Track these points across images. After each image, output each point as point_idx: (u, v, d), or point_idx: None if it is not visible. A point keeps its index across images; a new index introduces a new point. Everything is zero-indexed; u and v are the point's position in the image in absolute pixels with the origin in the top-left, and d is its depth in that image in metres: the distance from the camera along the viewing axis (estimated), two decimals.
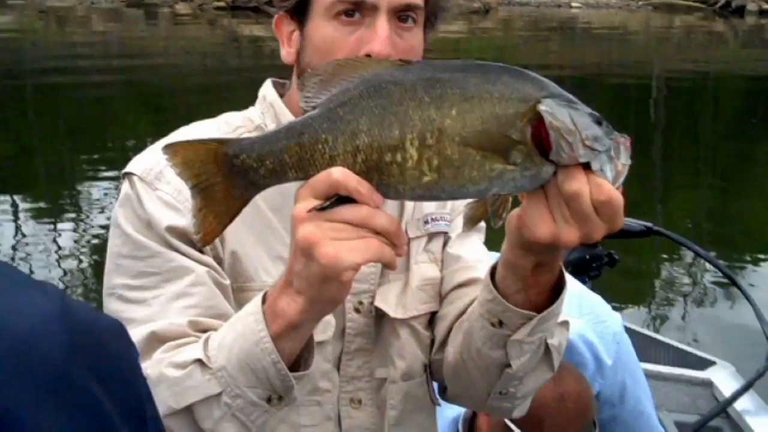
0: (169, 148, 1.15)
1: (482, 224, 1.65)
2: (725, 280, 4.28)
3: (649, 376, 2.90)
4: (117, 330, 0.84)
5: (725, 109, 16.01)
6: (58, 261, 6.86)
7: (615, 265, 3.18)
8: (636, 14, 31.67)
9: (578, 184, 1.09)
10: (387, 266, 1.15)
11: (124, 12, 27.03)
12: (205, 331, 1.34)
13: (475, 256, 1.63)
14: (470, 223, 1.16)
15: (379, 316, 1.56)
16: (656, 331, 4.79)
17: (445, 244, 1.65)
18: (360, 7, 1.42)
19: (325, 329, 1.48)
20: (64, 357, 0.75)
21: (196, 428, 1.27)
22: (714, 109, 15.94)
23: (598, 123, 1.11)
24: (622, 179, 1.12)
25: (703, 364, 3.46)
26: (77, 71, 16.69)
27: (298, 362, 1.26)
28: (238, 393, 1.23)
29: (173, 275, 1.39)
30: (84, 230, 7.79)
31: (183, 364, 1.27)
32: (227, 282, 1.44)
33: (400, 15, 1.44)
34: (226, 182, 1.16)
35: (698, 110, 15.08)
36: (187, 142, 1.17)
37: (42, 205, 8.69)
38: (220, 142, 1.16)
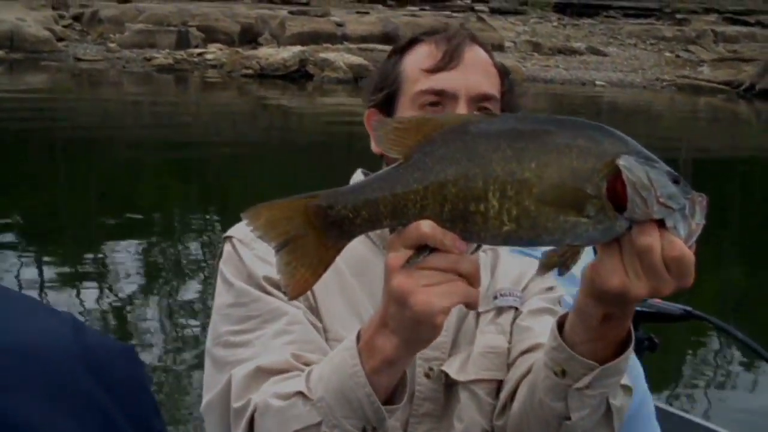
0: (250, 212, 1.20)
1: (558, 307, 1.70)
2: (762, 364, 4.21)
3: None
4: (127, 352, 0.89)
5: (753, 190, 15.97)
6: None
7: (656, 349, 3.12)
8: (660, 94, 31.84)
9: (650, 239, 1.13)
10: (470, 306, 1.23)
11: (154, 76, 27.51)
12: (307, 364, 1.44)
13: (545, 330, 1.63)
14: (543, 269, 1.21)
15: (449, 384, 1.61)
16: (693, 413, 4.70)
17: (515, 319, 1.68)
18: (442, 96, 1.56)
19: None
20: (76, 367, 0.79)
21: None
22: (742, 190, 15.91)
23: (675, 182, 1.13)
24: (695, 237, 1.15)
25: None
26: (109, 133, 16.94)
27: (393, 396, 1.34)
28: (335, 423, 1.32)
29: (272, 316, 1.53)
30: (106, 292, 7.79)
31: (287, 395, 1.37)
32: (320, 325, 1.57)
33: (479, 105, 1.57)
34: (319, 234, 1.19)
35: (726, 191, 15.04)
36: (271, 203, 1.21)
37: (66, 264, 8.71)
38: (311, 196, 1.20)
